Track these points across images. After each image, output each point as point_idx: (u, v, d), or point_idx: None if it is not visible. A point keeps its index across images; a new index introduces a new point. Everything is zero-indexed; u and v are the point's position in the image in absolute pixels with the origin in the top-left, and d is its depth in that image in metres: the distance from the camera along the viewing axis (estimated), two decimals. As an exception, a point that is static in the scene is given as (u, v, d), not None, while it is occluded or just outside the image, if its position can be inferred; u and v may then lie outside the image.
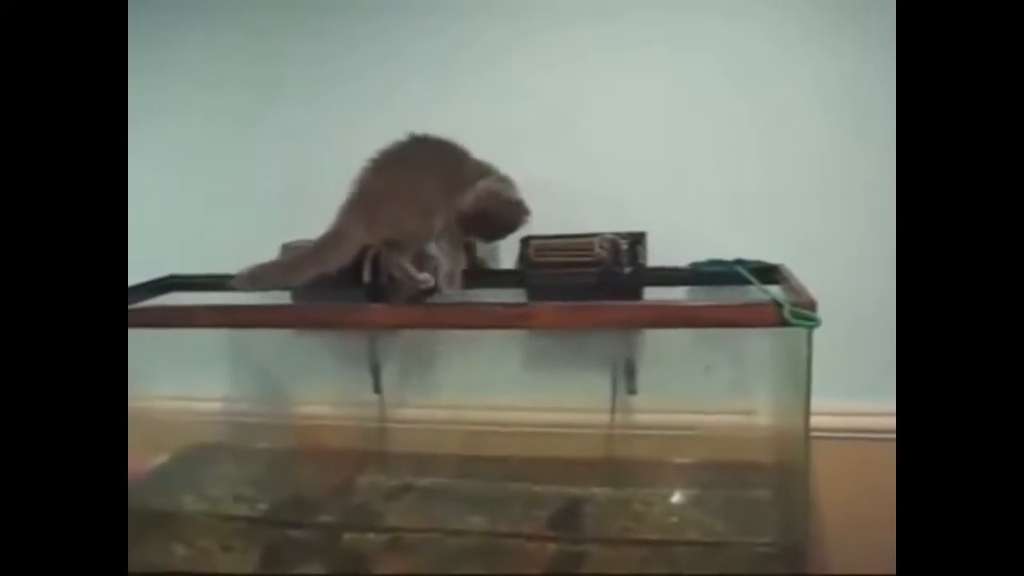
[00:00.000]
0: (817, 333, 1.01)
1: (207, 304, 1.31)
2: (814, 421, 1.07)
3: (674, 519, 1.35)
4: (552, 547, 1.27)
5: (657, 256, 1.35)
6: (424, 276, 1.23)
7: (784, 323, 1.00)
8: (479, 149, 1.35)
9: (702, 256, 1.34)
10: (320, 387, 1.56)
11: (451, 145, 1.27)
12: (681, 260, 1.35)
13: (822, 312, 1.00)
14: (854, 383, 1.28)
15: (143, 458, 1.42)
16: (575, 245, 1.33)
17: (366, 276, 1.28)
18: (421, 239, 1.24)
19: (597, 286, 1.30)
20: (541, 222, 1.36)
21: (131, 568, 1.29)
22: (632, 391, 1.42)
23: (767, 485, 1.34)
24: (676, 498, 1.40)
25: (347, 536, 1.34)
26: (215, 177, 1.58)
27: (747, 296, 1.21)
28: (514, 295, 1.35)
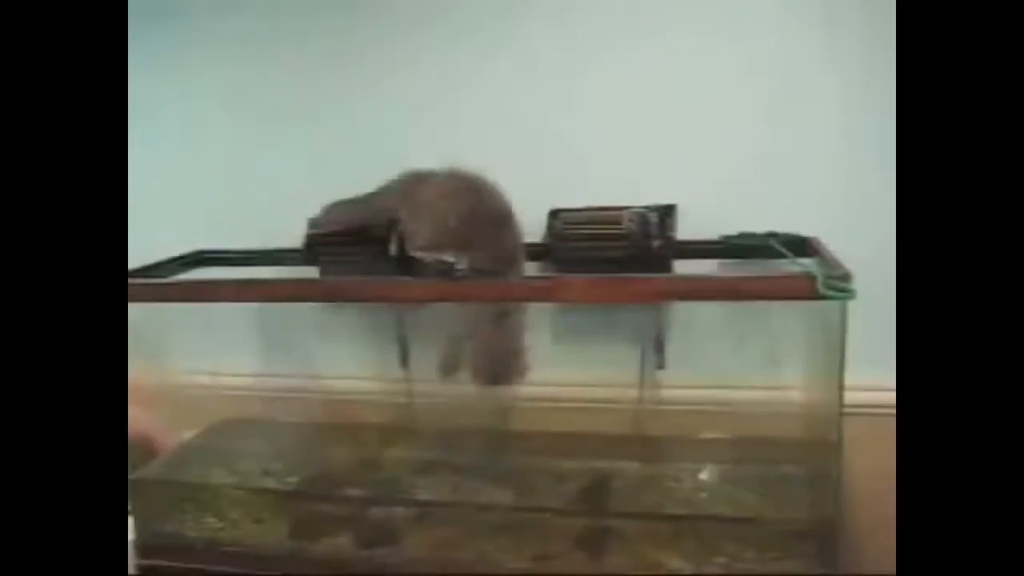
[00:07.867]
0: (852, 306, 0.99)
1: (235, 278, 1.31)
2: (848, 396, 1.05)
3: (704, 495, 1.34)
4: (580, 522, 1.26)
5: (687, 229, 1.32)
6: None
7: (818, 296, 0.98)
8: (508, 118, 1.37)
9: (733, 229, 1.31)
10: (347, 362, 1.56)
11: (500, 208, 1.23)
12: (711, 233, 1.33)
13: (857, 285, 0.98)
14: (889, 357, 1.25)
15: (174, 432, 1.43)
16: (604, 218, 1.31)
17: (393, 250, 1.27)
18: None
19: (626, 259, 1.28)
20: (570, 195, 1.35)
21: (166, 537, 1.32)
22: (661, 366, 1.41)
23: (799, 461, 1.32)
24: (706, 474, 1.38)
25: (375, 510, 1.34)
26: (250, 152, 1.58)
27: (779, 269, 1.19)
28: (540, 268, 1.34)
